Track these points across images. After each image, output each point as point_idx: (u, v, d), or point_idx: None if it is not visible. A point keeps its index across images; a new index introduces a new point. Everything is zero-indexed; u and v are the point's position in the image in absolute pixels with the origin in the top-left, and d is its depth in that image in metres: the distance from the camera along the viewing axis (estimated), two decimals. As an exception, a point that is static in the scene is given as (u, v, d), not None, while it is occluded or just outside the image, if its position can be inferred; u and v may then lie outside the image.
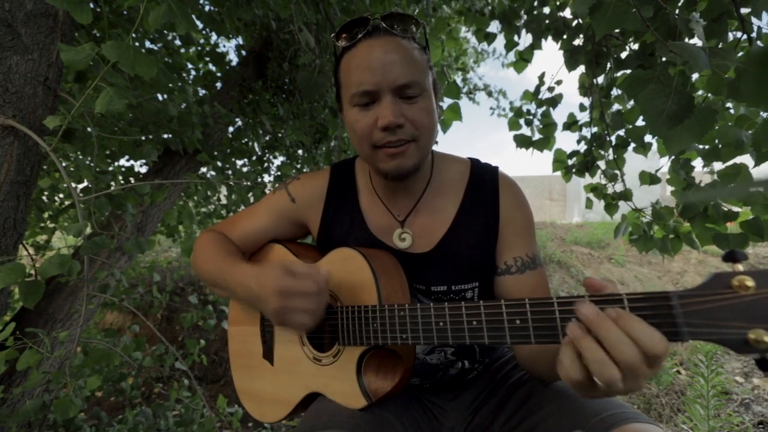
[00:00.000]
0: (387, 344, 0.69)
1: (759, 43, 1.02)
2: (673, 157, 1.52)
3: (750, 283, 0.43)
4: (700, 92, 1.35)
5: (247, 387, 0.91)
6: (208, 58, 2.66)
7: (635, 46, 1.44)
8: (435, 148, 0.88)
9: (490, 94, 4.49)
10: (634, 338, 0.46)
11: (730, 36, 1.14)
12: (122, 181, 2.21)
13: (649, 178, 1.64)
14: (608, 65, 1.65)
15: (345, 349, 0.76)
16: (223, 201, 2.61)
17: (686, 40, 1.02)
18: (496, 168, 0.89)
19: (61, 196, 2.50)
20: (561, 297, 0.53)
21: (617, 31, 1.38)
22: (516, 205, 0.84)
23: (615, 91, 1.76)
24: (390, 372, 0.75)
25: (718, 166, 1.36)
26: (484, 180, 0.85)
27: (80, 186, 1.47)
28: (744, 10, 0.94)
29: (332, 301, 0.77)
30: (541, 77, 1.94)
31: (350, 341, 0.73)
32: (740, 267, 0.45)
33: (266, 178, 2.76)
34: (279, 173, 2.70)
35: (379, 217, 0.86)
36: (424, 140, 0.75)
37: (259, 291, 0.70)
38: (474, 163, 0.89)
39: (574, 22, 1.64)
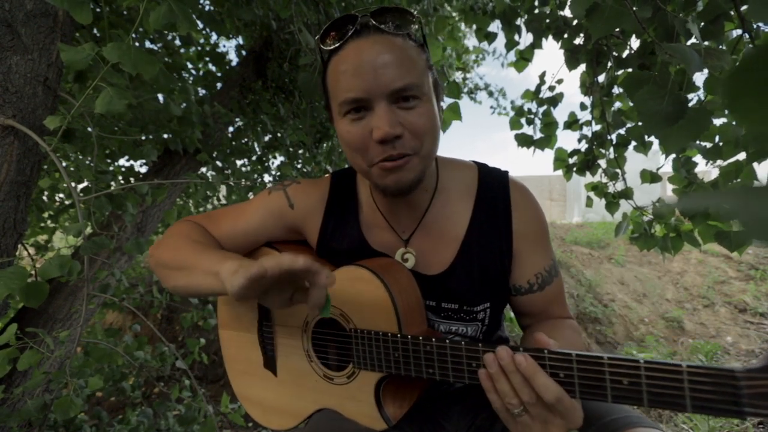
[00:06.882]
0: (410, 375, 0.66)
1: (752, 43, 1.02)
2: (674, 155, 1.52)
3: None
4: (700, 92, 1.36)
5: (249, 394, 0.90)
6: (208, 58, 2.66)
7: (636, 44, 1.44)
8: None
9: (491, 93, 4.50)
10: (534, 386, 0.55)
11: (731, 35, 1.14)
12: (122, 181, 2.21)
13: (650, 177, 1.64)
14: (609, 64, 1.65)
15: (360, 372, 0.72)
16: (223, 201, 2.61)
17: (686, 41, 1.02)
18: (506, 174, 0.80)
19: (61, 196, 2.50)
20: (612, 357, 0.51)
21: (617, 30, 1.37)
22: (530, 216, 0.78)
23: (616, 90, 1.76)
24: (407, 396, 0.74)
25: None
26: (493, 190, 0.78)
27: (80, 186, 1.47)
28: (743, 7, 0.94)
29: (343, 322, 0.74)
30: (542, 76, 1.94)
31: (367, 366, 0.70)
32: None
33: (266, 178, 2.76)
34: (279, 173, 2.70)
35: (381, 235, 0.80)
36: (426, 150, 0.67)
37: (230, 266, 0.60)
38: (481, 169, 0.81)
39: (575, 21, 1.64)
